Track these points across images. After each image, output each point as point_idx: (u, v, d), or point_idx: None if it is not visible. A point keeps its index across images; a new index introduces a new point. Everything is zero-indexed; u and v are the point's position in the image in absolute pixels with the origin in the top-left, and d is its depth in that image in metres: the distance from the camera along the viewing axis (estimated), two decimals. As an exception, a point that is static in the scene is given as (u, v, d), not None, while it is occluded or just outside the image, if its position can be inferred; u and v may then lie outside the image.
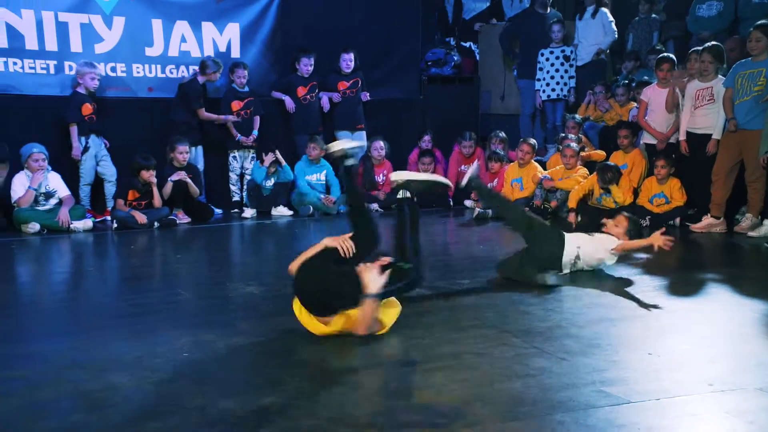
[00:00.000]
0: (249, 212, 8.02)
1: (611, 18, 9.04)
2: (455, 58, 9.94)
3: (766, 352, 3.36)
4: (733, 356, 3.32)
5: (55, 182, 7.19)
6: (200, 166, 8.13)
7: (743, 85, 6.30)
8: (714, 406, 2.74)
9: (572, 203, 7.10)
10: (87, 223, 7.16)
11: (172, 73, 8.24)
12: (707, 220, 6.60)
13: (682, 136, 6.88)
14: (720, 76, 6.65)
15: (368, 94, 8.82)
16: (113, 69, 7.97)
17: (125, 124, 7.88)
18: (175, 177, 7.45)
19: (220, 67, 8.00)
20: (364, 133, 8.69)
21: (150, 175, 7.23)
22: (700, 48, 6.92)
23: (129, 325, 3.92)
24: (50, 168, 7.20)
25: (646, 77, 8.20)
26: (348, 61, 8.55)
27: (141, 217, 7.13)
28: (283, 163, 7.97)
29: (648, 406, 2.73)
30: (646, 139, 7.47)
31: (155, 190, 7.28)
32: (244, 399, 2.83)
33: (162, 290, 4.81)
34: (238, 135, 8.18)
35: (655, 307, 4.08)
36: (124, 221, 7.12)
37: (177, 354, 3.38)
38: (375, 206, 8.27)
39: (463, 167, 8.77)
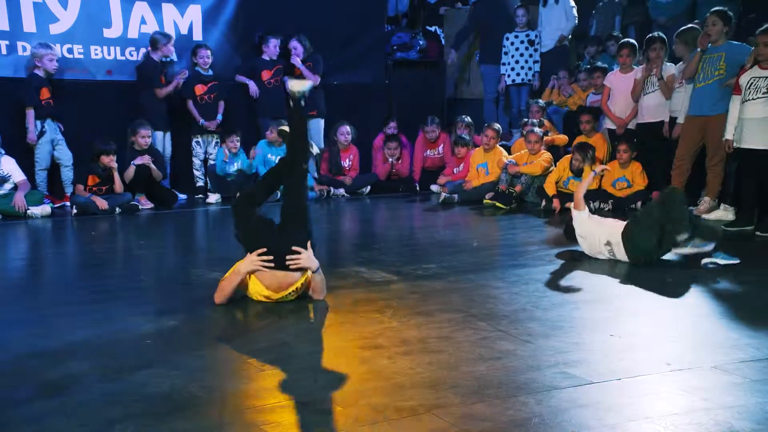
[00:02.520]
0: (213, 198, 7.94)
1: (573, 4, 9.11)
2: (421, 43, 9.94)
3: (720, 332, 3.45)
4: (689, 336, 3.40)
5: (9, 166, 7.02)
6: (168, 152, 8.02)
7: (704, 70, 6.41)
8: (672, 384, 2.80)
9: (551, 190, 7.19)
10: (45, 209, 7.02)
11: (132, 55, 8.08)
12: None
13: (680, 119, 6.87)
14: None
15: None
16: (70, 51, 7.78)
17: (84, 108, 7.71)
18: (137, 161, 7.34)
19: (171, 39, 7.85)
20: (319, 120, 8.61)
21: (110, 160, 7.11)
22: (655, 35, 7.05)
23: (90, 312, 3.86)
24: (3, 152, 7.03)
25: (606, 64, 8.30)
26: (274, 46, 8.40)
27: (102, 203, 7.00)
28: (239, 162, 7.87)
29: (609, 385, 2.79)
30: (609, 124, 7.58)
31: (116, 175, 7.16)
32: (209, 384, 2.82)
33: (124, 277, 4.75)
34: (202, 120, 8.07)
35: (617, 290, 4.15)
36: (85, 207, 7.00)
37: (140, 341, 3.35)
38: (341, 191, 8.26)
39: (428, 152, 8.81)
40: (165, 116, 7.98)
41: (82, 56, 7.85)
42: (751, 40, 6.66)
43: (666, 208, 4.54)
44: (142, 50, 8.05)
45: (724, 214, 6.30)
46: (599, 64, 8.30)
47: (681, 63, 6.80)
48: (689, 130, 6.54)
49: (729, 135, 6.06)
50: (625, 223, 4.77)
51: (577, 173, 7.11)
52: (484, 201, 7.56)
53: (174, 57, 8.01)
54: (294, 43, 8.41)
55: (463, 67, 9.90)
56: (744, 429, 2.42)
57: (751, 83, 5.63)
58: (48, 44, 7.35)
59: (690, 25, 6.97)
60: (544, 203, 7.31)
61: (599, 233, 4.83)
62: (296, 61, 8.33)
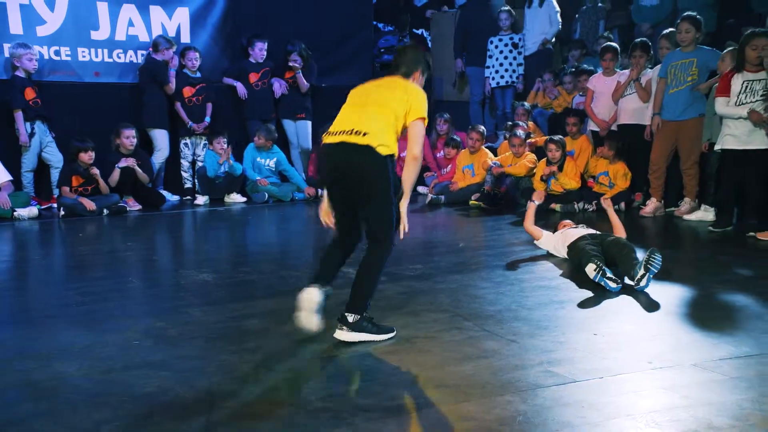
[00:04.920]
0: (201, 199, 7.92)
1: (557, 8, 9.16)
2: (408, 45, 9.96)
3: (699, 331, 3.49)
4: (670, 335, 3.43)
5: (-6, 167, 6.99)
6: (167, 151, 8.00)
7: (676, 76, 6.49)
8: (653, 382, 2.83)
9: (538, 185, 7.24)
10: (32, 210, 6.97)
11: (119, 57, 8.05)
12: (653, 204, 6.80)
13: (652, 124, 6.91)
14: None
15: (282, 84, 8.57)
16: (57, 53, 7.74)
17: (72, 110, 7.67)
18: (122, 163, 7.31)
19: (173, 45, 7.86)
20: (306, 122, 8.61)
21: (89, 157, 7.09)
22: (637, 41, 7.13)
23: (77, 314, 3.85)
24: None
25: (592, 66, 8.36)
26: (260, 50, 8.39)
27: (89, 204, 6.97)
28: (231, 162, 7.85)
29: (592, 384, 2.81)
30: (592, 126, 7.63)
31: (98, 177, 7.12)
32: (197, 385, 2.81)
33: (112, 278, 4.72)
34: (190, 122, 8.05)
35: (600, 289, 4.18)
36: (72, 208, 6.96)
37: (128, 342, 3.34)
38: (328, 192, 8.26)
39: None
40: (167, 116, 7.99)
41: (69, 58, 7.81)
42: (729, 44, 6.75)
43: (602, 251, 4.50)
44: (130, 53, 8.03)
45: (705, 214, 6.36)
46: (585, 66, 8.35)
47: (657, 66, 6.86)
48: (663, 134, 6.61)
49: (705, 137, 6.16)
50: (575, 239, 4.76)
51: (558, 167, 7.17)
52: (470, 202, 7.60)
53: (175, 62, 7.99)
54: (294, 56, 8.39)
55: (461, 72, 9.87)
56: (722, 425, 2.45)
57: (746, 86, 5.66)
58: (25, 44, 7.29)
59: (672, 29, 7.05)
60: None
61: (558, 241, 4.90)
62: (300, 77, 8.37)
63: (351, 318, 3.25)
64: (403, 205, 3.37)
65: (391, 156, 3.28)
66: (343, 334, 3.27)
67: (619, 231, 4.91)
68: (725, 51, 6.25)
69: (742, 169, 5.75)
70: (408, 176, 3.37)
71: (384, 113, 3.32)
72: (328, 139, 3.37)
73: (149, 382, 2.84)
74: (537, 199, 5.44)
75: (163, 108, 7.94)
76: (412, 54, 3.64)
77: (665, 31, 7.09)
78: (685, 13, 6.64)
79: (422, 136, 3.37)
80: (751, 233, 5.64)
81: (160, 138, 7.91)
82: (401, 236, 3.36)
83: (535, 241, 5.18)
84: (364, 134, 3.23)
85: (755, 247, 5.41)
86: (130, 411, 2.58)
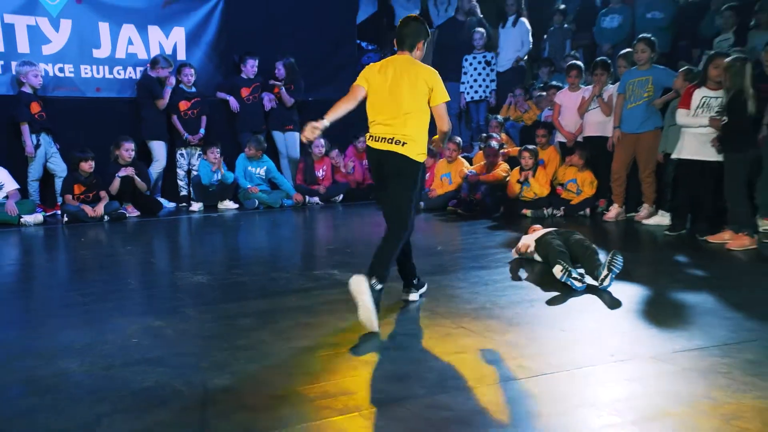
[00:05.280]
0: (196, 206, 7.89)
1: (529, 28, 9.23)
2: (389, 62, 9.98)
3: (657, 326, 3.52)
4: (630, 330, 3.47)
5: (2, 177, 6.94)
6: (164, 161, 7.96)
7: (634, 92, 6.59)
8: (615, 374, 2.86)
9: (512, 190, 7.28)
10: (37, 217, 6.91)
11: (119, 74, 8.02)
12: (615, 210, 6.87)
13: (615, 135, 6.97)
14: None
15: (272, 99, 8.54)
16: (61, 69, 7.71)
17: (75, 123, 7.63)
18: (122, 173, 7.29)
19: (171, 65, 7.84)
20: (294, 133, 8.60)
21: (89, 167, 7.07)
22: (598, 60, 7.22)
23: (79, 313, 3.81)
24: (-2, 163, 6.94)
25: (559, 82, 8.44)
26: (252, 66, 8.36)
27: (91, 210, 6.93)
28: (223, 171, 7.82)
29: (560, 376, 2.83)
30: (560, 137, 7.70)
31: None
32: (192, 380, 2.80)
33: (112, 280, 4.68)
34: (186, 134, 8.02)
35: (566, 288, 4.21)
36: (75, 215, 6.90)
37: (127, 340, 3.31)
38: (316, 199, 8.25)
39: None
40: (165, 128, 7.95)
41: (72, 75, 7.78)
42: (681, 63, 6.87)
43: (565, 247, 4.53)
44: (129, 69, 8.00)
45: (662, 219, 6.45)
46: (553, 82, 8.43)
47: (618, 83, 6.94)
48: (622, 146, 6.70)
49: (661, 148, 6.26)
50: (543, 233, 4.82)
51: (524, 180, 7.22)
52: (447, 208, 7.63)
53: (172, 80, 7.94)
54: (278, 65, 8.41)
55: None
56: (677, 412, 2.47)
57: (704, 102, 5.74)
58: (30, 62, 7.28)
59: (630, 49, 7.14)
60: (502, 209, 7.39)
61: (530, 240, 4.94)
62: (284, 93, 8.34)
63: (372, 281, 3.45)
64: (440, 142, 3.97)
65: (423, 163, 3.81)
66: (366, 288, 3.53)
67: None
68: (680, 70, 6.36)
69: (696, 179, 5.83)
70: (441, 136, 3.90)
71: (419, 117, 3.74)
72: (373, 144, 3.78)
73: (147, 377, 2.82)
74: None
75: (159, 121, 7.91)
76: (414, 26, 3.87)
77: (622, 51, 7.19)
78: (641, 35, 6.75)
79: (445, 115, 3.81)
80: (703, 237, 5.71)
81: (158, 149, 7.88)
82: (443, 147, 4.13)
83: (517, 253, 5.16)
84: (404, 144, 3.69)
85: (707, 249, 5.48)
86: (129, 405, 2.56)
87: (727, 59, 5.42)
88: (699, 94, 5.75)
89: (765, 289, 4.23)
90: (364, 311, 3.33)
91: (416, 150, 3.71)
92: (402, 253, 3.83)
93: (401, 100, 3.73)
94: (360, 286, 3.35)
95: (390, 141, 3.70)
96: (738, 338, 3.26)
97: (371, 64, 3.99)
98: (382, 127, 3.77)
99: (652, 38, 6.64)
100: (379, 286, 3.43)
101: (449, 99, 3.86)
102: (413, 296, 4.01)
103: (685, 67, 6.49)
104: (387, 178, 3.74)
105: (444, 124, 3.82)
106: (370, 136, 3.82)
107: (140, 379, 2.80)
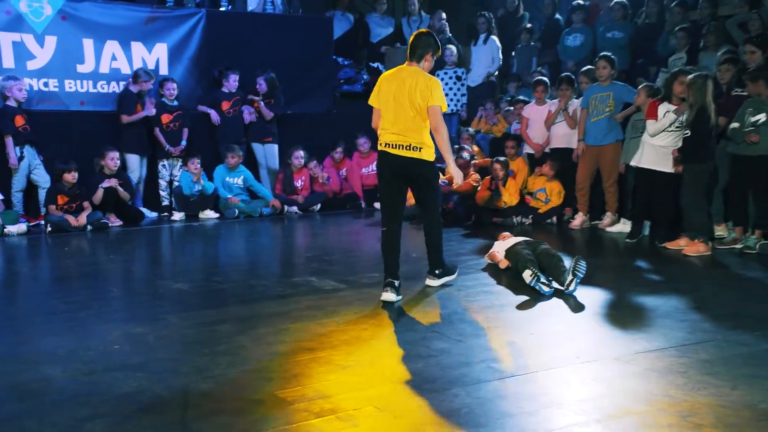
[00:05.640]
0: (178, 215, 7.81)
1: (499, 45, 9.33)
2: (365, 77, 10.01)
3: (619, 328, 3.57)
4: (594, 333, 3.51)
5: (-14, 188, 6.78)
6: (143, 174, 7.87)
7: (596, 107, 6.70)
8: (580, 374, 2.89)
9: (481, 196, 7.33)
10: (21, 227, 6.77)
11: (103, 88, 7.94)
12: (580, 218, 6.95)
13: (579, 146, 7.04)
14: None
15: (251, 112, 8.47)
16: (45, 84, 7.62)
17: (59, 136, 7.51)
18: (105, 184, 7.19)
19: (152, 78, 7.78)
20: (273, 145, 8.57)
21: (73, 177, 6.97)
22: (563, 76, 7.33)
23: (62, 321, 3.75)
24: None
25: (526, 97, 8.53)
26: (233, 80, 8.35)
27: (74, 220, 6.83)
28: (203, 182, 7.76)
29: (528, 378, 2.85)
30: (528, 149, 7.78)
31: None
32: (173, 385, 2.77)
33: (94, 288, 4.60)
34: (168, 145, 7.95)
35: (535, 293, 4.25)
36: (58, 225, 6.79)
37: (109, 346, 3.26)
38: (294, 209, 8.22)
39: (363, 170, 8.86)
40: (144, 141, 7.86)
41: (57, 89, 7.68)
42: (640, 80, 7.00)
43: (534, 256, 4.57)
44: (113, 84, 7.93)
45: (623, 227, 6.54)
46: (520, 97, 8.52)
47: (581, 98, 7.04)
48: (586, 157, 6.80)
49: (623, 160, 6.38)
50: (513, 243, 4.86)
51: (496, 193, 7.28)
52: (421, 217, 7.62)
53: (152, 92, 7.86)
54: (260, 80, 8.38)
55: None
56: (638, 410, 2.51)
57: (666, 115, 5.84)
58: (15, 76, 7.18)
59: (590, 66, 7.26)
60: (473, 218, 7.43)
61: (500, 248, 4.98)
62: (263, 107, 8.33)
63: (437, 271, 4.40)
64: (450, 165, 4.30)
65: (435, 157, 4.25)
66: (432, 281, 4.43)
67: None
68: (641, 87, 6.48)
69: (652, 188, 5.94)
70: (441, 145, 4.21)
71: (424, 123, 4.13)
72: (390, 151, 4.17)
73: (128, 382, 2.78)
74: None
75: (137, 134, 7.79)
76: (424, 39, 4.22)
77: (584, 68, 7.31)
78: (602, 53, 6.87)
79: (438, 116, 4.11)
80: (662, 243, 5.81)
81: (132, 162, 7.80)
82: (458, 182, 4.45)
83: (489, 259, 5.18)
84: (420, 149, 4.14)
85: (665, 255, 5.57)
86: (110, 409, 2.52)
87: (690, 76, 5.54)
88: (663, 108, 5.86)
89: (719, 293, 4.31)
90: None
91: (428, 153, 4.17)
92: (391, 248, 4.25)
93: (407, 109, 4.10)
94: (434, 283, 4.38)
95: (408, 148, 4.12)
96: (694, 339, 3.32)
97: (383, 73, 4.38)
98: (395, 136, 4.15)
99: (612, 56, 6.78)
100: (438, 271, 4.39)
101: (446, 107, 4.17)
102: (437, 282, 4.45)
103: (646, 84, 6.61)
104: (412, 182, 4.27)
105: (435, 122, 4.10)
106: (386, 143, 4.19)
107: (121, 385, 2.76)
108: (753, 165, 5.46)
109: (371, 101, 4.30)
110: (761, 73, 5.54)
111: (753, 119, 5.44)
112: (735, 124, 5.54)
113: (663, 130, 5.80)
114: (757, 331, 3.44)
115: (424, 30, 4.34)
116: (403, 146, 4.13)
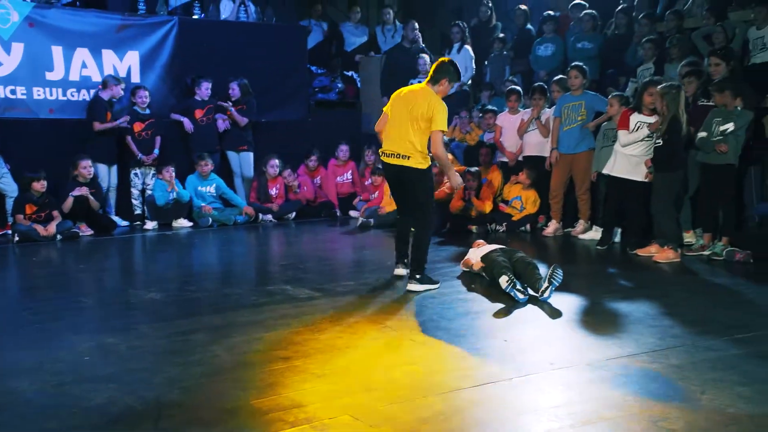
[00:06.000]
0: (151, 224, 7.71)
1: (473, 55, 9.41)
2: (339, 85, 10.02)
3: (592, 335, 3.61)
4: (568, 339, 3.54)
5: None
6: (108, 181, 7.75)
7: (569, 116, 6.80)
8: (554, 381, 2.91)
9: (455, 205, 7.36)
10: (-13, 237, 6.62)
11: (73, 96, 7.81)
12: (553, 225, 7.02)
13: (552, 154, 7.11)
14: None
15: (225, 120, 8.40)
16: (13, 92, 7.48)
17: (27, 144, 7.37)
18: (76, 192, 7.08)
19: (121, 83, 7.68)
20: (248, 153, 8.53)
21: (42, 186, 6.84)
22: (536, 85, 7.43)
23: (30, 332, 3.67)
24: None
25: (496, 107, 8.60)
26: (206, 88, 8.30)
27: (43, 230, 6.70)
28: (177, 190, 7.69)
29: (503, 384, 2.86)
30: (502, 157, 7.85)
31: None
32: (145, 396, 2.72)
33: (64, 298, 4.51)
34: (140, 154, 7.86)
35: (510, 300, 4.27)
36: (26, 234, 6.65)
37: (78, 358, 3.20)
38: (269, 217, 8.18)
39: (338, 178, 8.87)
40: (111, 150, 7.75)
41: (25, 97, 7.54)
42: (610, 90, 7.13)
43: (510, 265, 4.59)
44: (83, 91, 7.81)
45: (596, 234, 6.62)
46: (490, 107, 8.60)
47: (554, 106, 7.14)
48: (560, 165, 6.88)
49: (594, 168, 6.48)
50: (488, 250, 4.90)
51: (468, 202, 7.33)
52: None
53: (122, 97, 7.76)
54: (233, 85, 8.35)
55: None
56: (610, 416, 2.54)
57: (638, 126, 5.93)
58: None
59: (562, 76, 7.37)
60: (448, 225, 7.46)
61: (475, 255, 5.01)
62: (235, 114, 8.29)
63: (417, 276, 4.53)
64: (453, 179, 4.76)
65: (430, 165, 4.60)
66: (413, 286, 4.53)
67: None
68: (612, 96, 6.59)
69: (623, 196, 6.03)
70: (442, 165, 4.74)
71: (421, 133, 4.46)
72: (385, 159, 4.63)
73: (99, 394, 2.73)
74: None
75: (104, 143, 7.68)
76: (444, 66, 4.62)
77: (556, 78, 7.41)
78: (574, 63, 6.98)
79: (439, 141, 4.49)
80: (633, 250, 5.89)
81: (100, 171, 7.67)
82: (458, 184, 4.84)
83: (464, 266, 5.19)
84: (408, 158, 4.49)
85: (636, 262, 5.65)
86: (80, 422, 2.47)
87: (662, 86, 5.65)
88: (634, 119, 5.96)
89: (688, 299, 4.39)
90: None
91: (418, 161, 4.49)
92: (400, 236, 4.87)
93: (405, 121, 4.49)
94: (416, 288, 4.51)
95: (397, 156, 4.53)
96: (665, 345, 3.37)
97: (401, 89, 4.76)
98: (389, 144, 4.58)
99: (584, 66, 6.89)
100: (418, 276, 4.52)
101: (445, 129, 4.51)
102: (418, 287, 4.56)
103: (617, 94, 6.72)
104: (403, 185, 4.62)
105: (434, 147, 4.49)
106: (381, 151, 4.66)
107: (92, 396, 2.70)
108: (720, 173, 5.59)
109: (385, 108, 4.74)
110: (727, 84, 5.67)
111: (721, 128, 5.56)
112: (703, 134, 5.66)
113: (635, 142, 5.90)
114: (725, 336, 3.51)
115: (447, 59, 4.77)
116: (393, 154, 4.56)
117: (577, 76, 6.75)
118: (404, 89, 4.72)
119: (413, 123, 4.48)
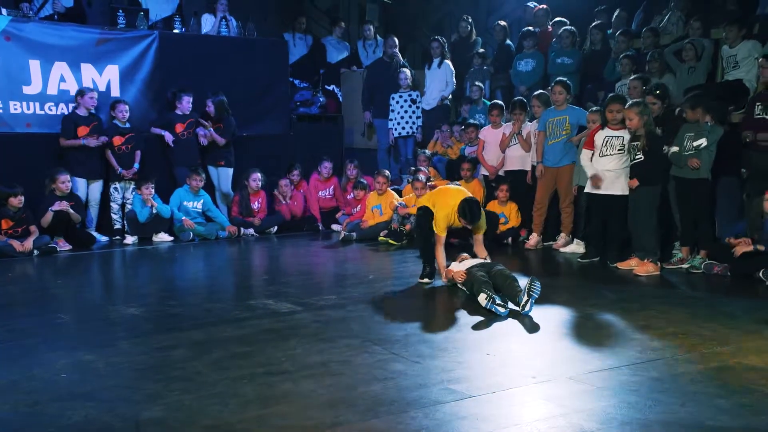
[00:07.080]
0: (130, 239, 7.63)
1: (453, 69, 9.48)
2: (321, 99, 10.04)
3: (573, 348, 3.64)
4: (550, 352, 3.56)
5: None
6: (87, 196, 7.66)
7: (553, 130, 6.89)
8: (536, 394, 2.92)
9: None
10: (-38, 252, 6.50)
11: (51, 110, 7.72)
12: (534, 238, 7.07)
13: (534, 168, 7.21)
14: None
15: (205, 133, 8.33)
16: (-12, 106, 7.37)
17: (4, 158, 7.26)
18: (55, 207, 6.97)
19: (93, 91, 7.62)
20: (227, 169, 8.52)
21: (19, 201, 6.74)
22: (516, 100, 7.53)
23: (4, 349, 3.60)
24: None
25: (477, 121, 8.67)
26: (187, 102, 8.28)
27: (19, 245, 6.59)
28: (156, 205, 7.63)
29: (485, 398, 2.87)
30: (484, 171, 7.90)
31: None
32: (124, 414, 2.68)
33: (40, 315, 4.44)
34: (120, 168, 7.79)
35: (491, 314, 4.29)
36: (2, 250, 6.54)
37: (55, 375, 3.15)
38: (251, 231, 8.14)
39: (320, 193, 8.86)
40: (91, 165, 7.66)
41: (1, 111, 7.44)
42: (589, 105, 7.23)
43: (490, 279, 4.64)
44: (62, 105, 7.74)
45: (577, 247, 6.68)
46: (471, 121, 8.67)
47: (535, 121, 7.22)
48: (545, 179, 6.95)
49: (575, 182, 6.54)
50: (469, 266, 4.92)
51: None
52: (379, 238, 7.66)
53: (103, 115, 7.70)
54: (209, 102, 8.33)
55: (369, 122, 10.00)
56: (592, 428, 2.55)
57: (606, 141, 6.02)
58: None
59: (542, 91, 7.45)
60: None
61: (458, 269, 5.02)
62: (213, 134, 8.29)
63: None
64: (443, 271, 5.18)
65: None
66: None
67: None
68: (591, 111, 6.68)
69: (604, 210, 6.10)
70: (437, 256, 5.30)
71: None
72: None
73: (76, 413, 2.68)
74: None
75: (83, 158, 7.60)
76: (476, 211, 5.13)
77: (536, 93, 7.50)
78: (558, 78, 7.08)
79: (438, 241, 5.23)
80: (613, 264, 5.95)
81: (79, 185, 7.59)
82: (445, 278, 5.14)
83: (446, 279, 5.19)
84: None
85: (616, 275, 5.70)
86: (57, 442, 2.43)
87: (632, 104, 5.75)
88: (602, 135, 6.05)
89: (667, 312, 4.43)
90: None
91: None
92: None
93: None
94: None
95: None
96: (645, 358, 3.39)
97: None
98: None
99: (568, 81, 6.98)
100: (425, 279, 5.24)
101: (440, 235, 5.20)
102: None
103: (596, 108, 6.81)
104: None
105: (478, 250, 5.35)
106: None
107: (68, 415, 2.66)
108: (694, 188, 5.68)
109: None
110: (700, 100, 5.78)
111: (695, 144, 5.66)
112: (675, 148, 5.75)
113: (588, 168, 6.03)
114: (705, 349, 3.55)
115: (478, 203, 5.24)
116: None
117: (561, 92, 6.84)
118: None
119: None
